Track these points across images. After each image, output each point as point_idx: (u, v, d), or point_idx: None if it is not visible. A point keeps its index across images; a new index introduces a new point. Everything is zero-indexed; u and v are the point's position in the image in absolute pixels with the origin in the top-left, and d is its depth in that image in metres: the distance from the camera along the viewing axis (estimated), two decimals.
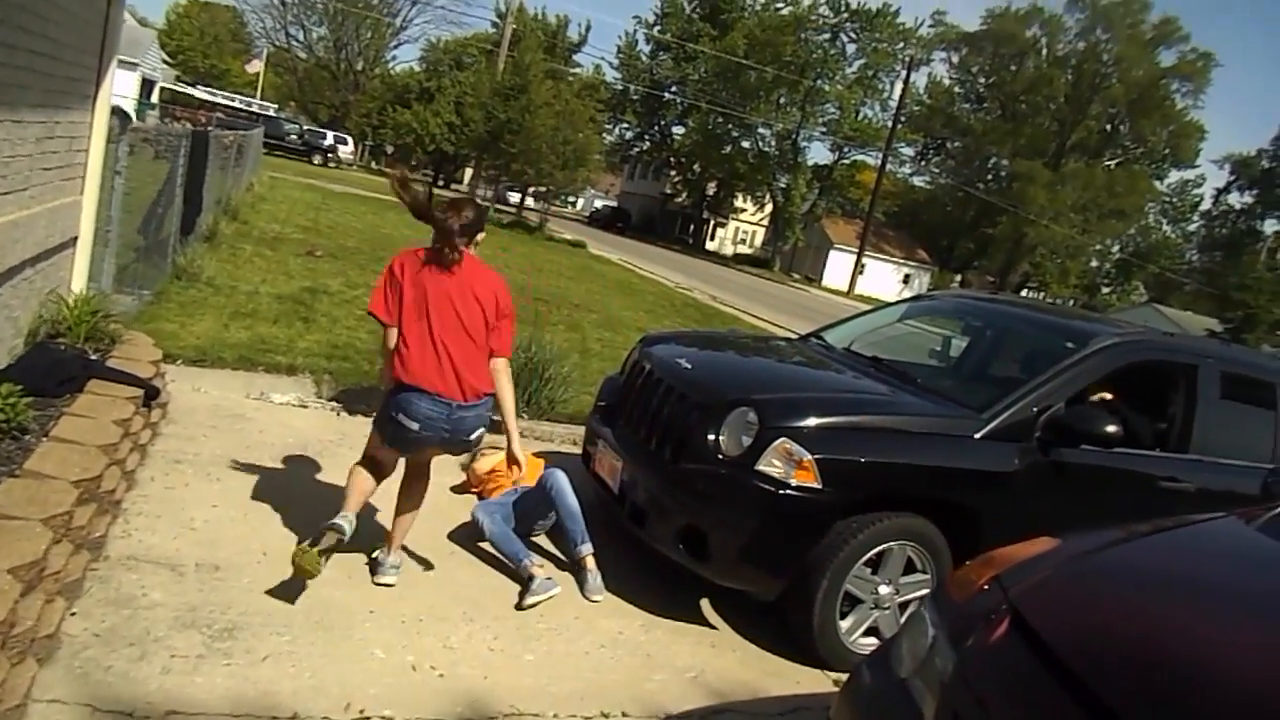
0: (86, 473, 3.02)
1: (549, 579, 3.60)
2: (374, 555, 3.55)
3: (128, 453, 3.63)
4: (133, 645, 2.69)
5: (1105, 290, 60.98)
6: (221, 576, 3.20)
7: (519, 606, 3.51)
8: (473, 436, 3.39)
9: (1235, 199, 63.09)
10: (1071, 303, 53.42)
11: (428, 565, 3.71)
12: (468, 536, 4.06)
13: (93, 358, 4.29)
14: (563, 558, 4.05)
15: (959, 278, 55.58)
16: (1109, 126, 54.68)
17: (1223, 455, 4.30)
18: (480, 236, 3.48)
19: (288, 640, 2.92)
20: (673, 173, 57.78)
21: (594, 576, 3.76)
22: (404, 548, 3.62)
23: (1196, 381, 4.29)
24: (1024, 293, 54.00)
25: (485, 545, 3.96)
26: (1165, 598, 2.00)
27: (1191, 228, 65.80)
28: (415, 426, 3.26)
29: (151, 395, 4.16)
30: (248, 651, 2.81)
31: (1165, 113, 52.29)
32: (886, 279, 50.20)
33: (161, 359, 4.83)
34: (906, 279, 51.72)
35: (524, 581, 3.62)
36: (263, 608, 3.07)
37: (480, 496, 4.45)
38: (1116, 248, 59.54)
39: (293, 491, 4.08)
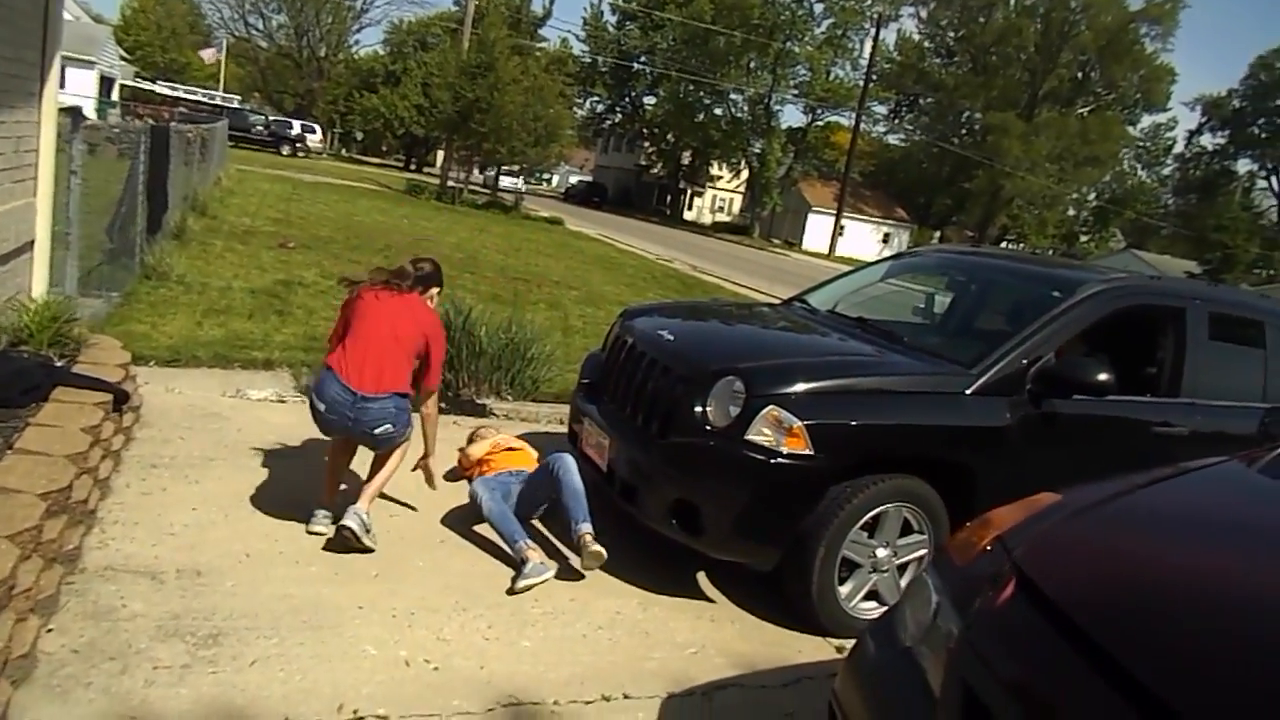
0: (54, 484, 2.91)
1: (542, 563, 3.54)
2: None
3: (99, 460, 3.52)
4: (114, 659, 2.60)
5: (1083, 238, 61.21)
6: (204, 582, 3.11)
7: (511, 590, 3.44)
8: (377, 431, 3.56)
9: (1208, 140, 63.36)
10: (1050, 252, 53.62)
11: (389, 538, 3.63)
12: (458, 521, 4.00)
13: (58, 364, 4.17)
14: (555, 543, 3.98)
15: (938, 234, 55.65)
16: (1080, 74, 54.61)
17: (1215, 397, 4.26)
18: (435, 291, 4.00)
19: (275, 643, 2.84)
20: (646, 144, 57.32)
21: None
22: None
23: (1185, 324, 4.24)
24: (1004, 245, 54.12)
25: (477, 529, 3.90)
26: (1172, 547, 1.95)
27: (1166, 171, 66.08)
28: (322, 407, 3.56)
29: (121, 400, 4.04)
30: (234, 658, 2.72)
31: (1135, 57, 52.24)
32: (866, 239, 50.15)
33: (130, 361, 4.70)
34: (886, 238, 51.70)
35: (517, 564, 3.55)
36: (248, 610, 2.98)
37: (469, 481, 4.37)
38: (1093, 195, 59.75)
39: (274, 489, 3.98)
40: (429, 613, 3.19)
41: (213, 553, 3.32)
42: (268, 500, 3.86)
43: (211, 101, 38.69)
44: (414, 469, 4.05)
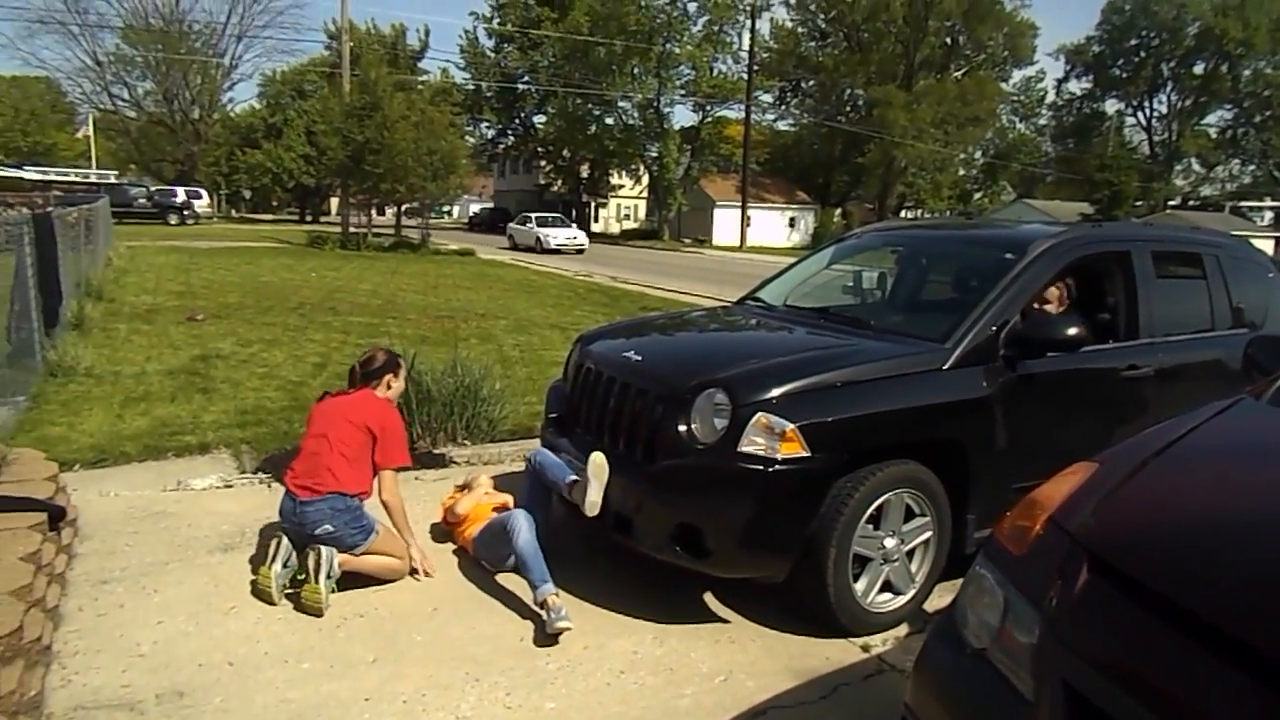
0: (3, 628, 2.61)
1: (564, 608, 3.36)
2: None
3: (45, 588, 3.19)
4: None
5: (977, 195, 63.42)
6: (189, 703, 2.83)
7: (549, 632, 3.27)
8: (318, 533, 3.60)
9: (1075, 86, 66.75)
10: (948, 213, 55.37)
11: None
12: (446, 584, 3.79)
13: None
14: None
15: (839, 210, 56.79)
16: (949, 40, 56.50)
17: (1171, 332, 4.34)
18: (391, 379, 4.01)
19: None
20: (543, 162, 57.12)
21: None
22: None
23: (1133, 266, 4.30)
24: (903, 213, 55.63)
25: (468, 591, 3.72)
26: (1234, 495, 1.89)
27: (1042, 121, 69.21)
28: (280, 519, 3.75)
29: (57, 516, 3.69)
30: None
31: (997, 17, 54.28)
32: (773, 226, 50.92)
33: (58, 471, 4.32)
34: (792, 222, 52.56)
35: (540, 608, 3.39)
36: None
37: (452, 537, 4.17)
38: (979, 154, 61.92)
39: (242, 584, 3.69)
40: (441, 691, 2.97)
41: (191, 668, 3.04)
42: (238, 597, 3.58)
43: (86, 180, 36.99)
44: (413, 573, 3.88)
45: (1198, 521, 1.83)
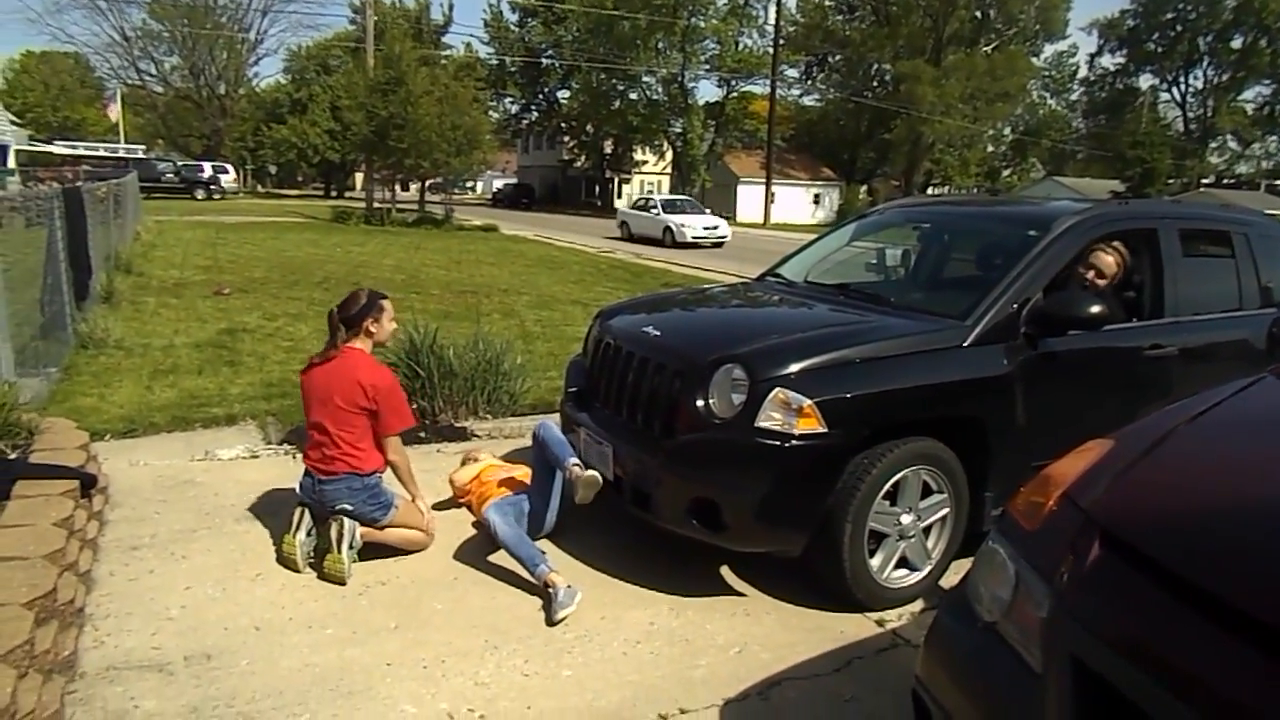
0: (38, 590, 2.69)
1: (569, 587, 3.39)
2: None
3: (78, 553, 3.28)
4: None
5: (1005, 173, 62.54)
6: (216, 665, 2.91)
7: (550, 623, 3.29)
8: (337, 509, 3.64)
9: (1108, 61, 65.47)
10: (975, 190, 54.65)
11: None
12: (466, 554, 3.86)
13: (12, 457, 3.89)
14: (569, 558, 3.84)
15: (865, 187, 56.20)
16: (979, 13, 55.39)
17: (1197, 311, 4.29)
18: (371, 324, 3.76)
19: (307, 719, 2.66)
20: (567, 138, 56.98)
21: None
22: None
23: (1159, 244, 4.24)
24: (929, 190, 54.98)
25: (488, 559, 3.77)
26: (1250, 472, 1.88)
27: (1073, 97, 67.97)
28: (300, 493, 3.80)
29: (88, 484, 3.79)
30: None
31: None
32: (798, 203, 50.49)
33: (89, 440, 4.42)
34: (817, 199, 52.08)
35: (544, 591, 3.42)
36: (271, 688, 2.79)
37: (469, 509, 4.22)
38: (1008, 130, 60.96)
39: (267, 552, 3.77)
40: (460, 657, 3.03)
41: (218, 631, 3.12)
42: (263, 564, 3.66)
43: (115, 155, 37.35)
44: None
45: (1212, 499, 1.82)
